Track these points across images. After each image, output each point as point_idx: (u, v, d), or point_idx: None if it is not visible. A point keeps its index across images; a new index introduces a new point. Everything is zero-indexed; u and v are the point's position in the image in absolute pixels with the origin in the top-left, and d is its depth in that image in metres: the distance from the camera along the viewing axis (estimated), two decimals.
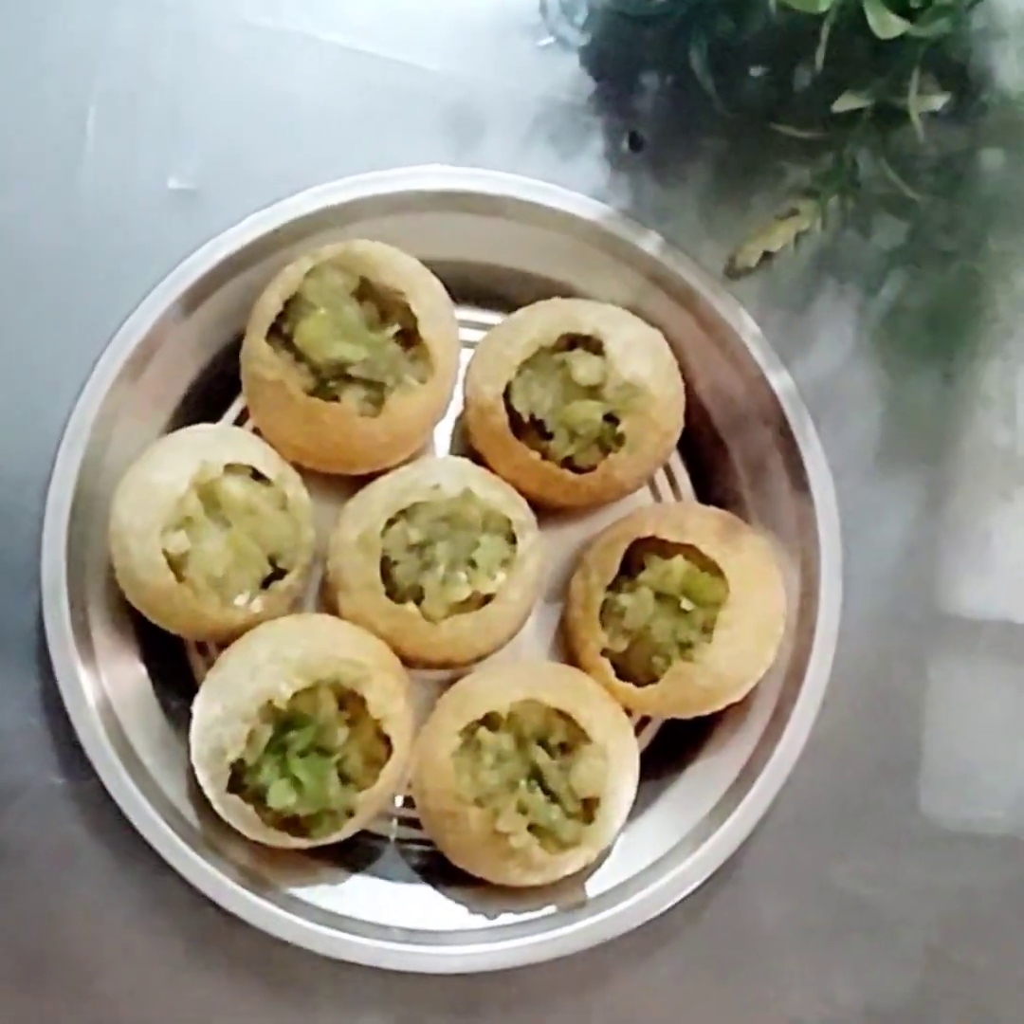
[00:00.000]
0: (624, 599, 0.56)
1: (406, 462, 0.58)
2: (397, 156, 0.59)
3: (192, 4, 0.61)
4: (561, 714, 0.54)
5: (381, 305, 0.56)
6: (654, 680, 0.56)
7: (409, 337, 0.56)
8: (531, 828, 0.53)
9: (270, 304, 0.55)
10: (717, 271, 0.60)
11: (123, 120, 0.60)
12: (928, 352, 0.62)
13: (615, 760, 0.54)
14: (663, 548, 0.56)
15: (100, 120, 0.60)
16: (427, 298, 0.55)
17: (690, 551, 0.55)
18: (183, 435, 0.57)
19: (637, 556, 0.56)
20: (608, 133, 0.61)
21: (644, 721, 0.60)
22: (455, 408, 0.59)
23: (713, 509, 0.59)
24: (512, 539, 0.55)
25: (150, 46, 0.60)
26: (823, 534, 0.58)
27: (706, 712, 0.57)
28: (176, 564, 0.53)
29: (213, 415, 0.60)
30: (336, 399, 0.55)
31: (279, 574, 0.55)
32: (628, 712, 0.57)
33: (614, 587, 0.56)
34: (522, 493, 0.57)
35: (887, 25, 0.55)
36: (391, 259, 0.55)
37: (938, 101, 0.60)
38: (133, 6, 0.61)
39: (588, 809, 0.54)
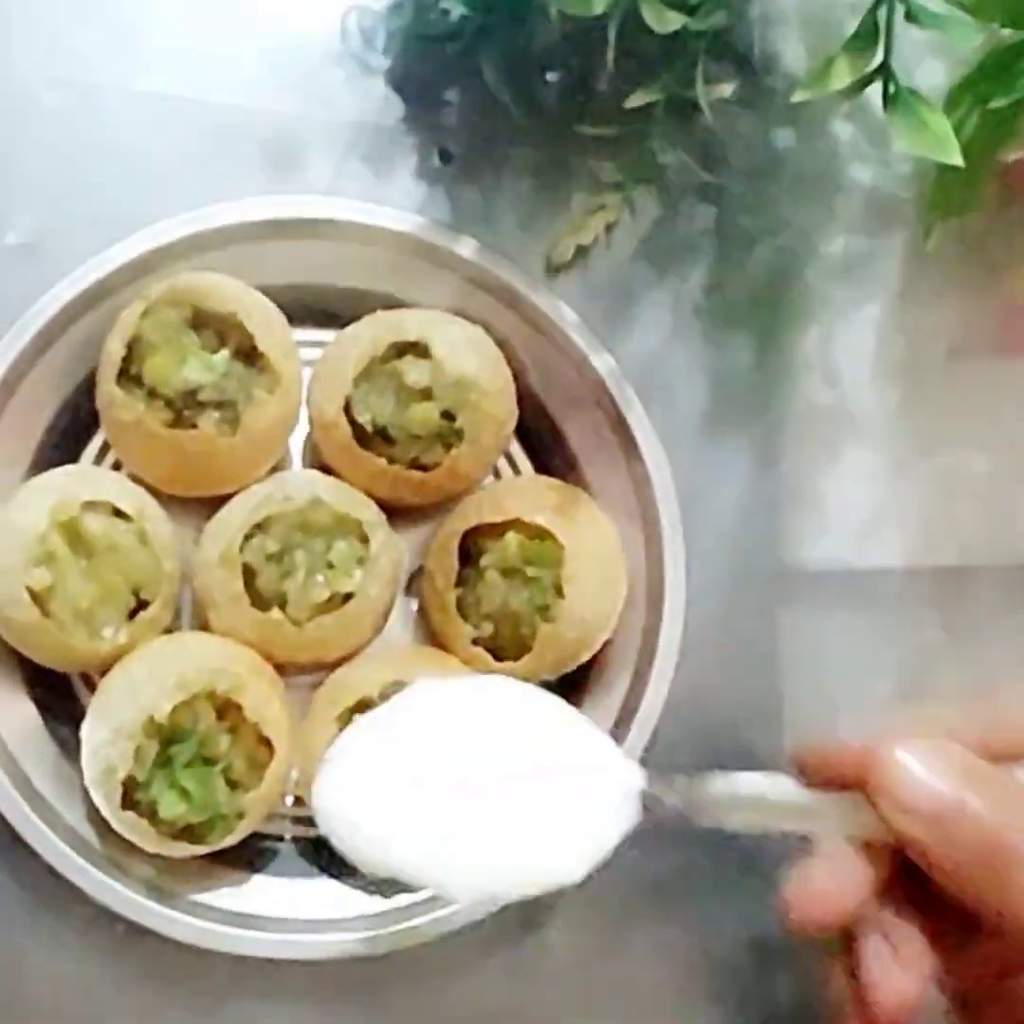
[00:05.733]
0: (475, 589, 0.59)
1: (267, 476, 0.61)
2: (222, 191, 0.61)
3: (6, 69, 0.63)
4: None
5: (217, 330, 0.59)
6: (529, 649, 0.59)
7: (249, 355, 0.59)
8: None
9: (113, 351, 0.58)
10: (538, 270, 0.64)
11: None
12: (746, 325, 0.66)
13: None
14: (494, 529, 0.59)
15: None
16: (257, 313, 0.59)
17: (517, 524, 0.58)
18: (44, 478, 0.59)
19: (474, 545, 0.59)
20: (419, 150, 0.64)
21: None
22: (304, 427, 0.62)
23: (521, 479, 0.63)
24: (364, 539, 0.58)
25: None
26: (661, 504, 0.61)
27: (586, 658, 0.60)
28: (41, 599, 0.56)
29: (73, 455, 0.63)
30: (194, 426, 0.58)
31: (143, 605, 0.58)
32: None
33: (461, 581, 0.59)
34: (375, 498, 0.60)
35: (664, 20, 0.59)
36: (216, 285, 0.58)
37: (726, 89, 0.63)
38: None
39: None
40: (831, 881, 0.46)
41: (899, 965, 0.46)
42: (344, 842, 0.46)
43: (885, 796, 0.45)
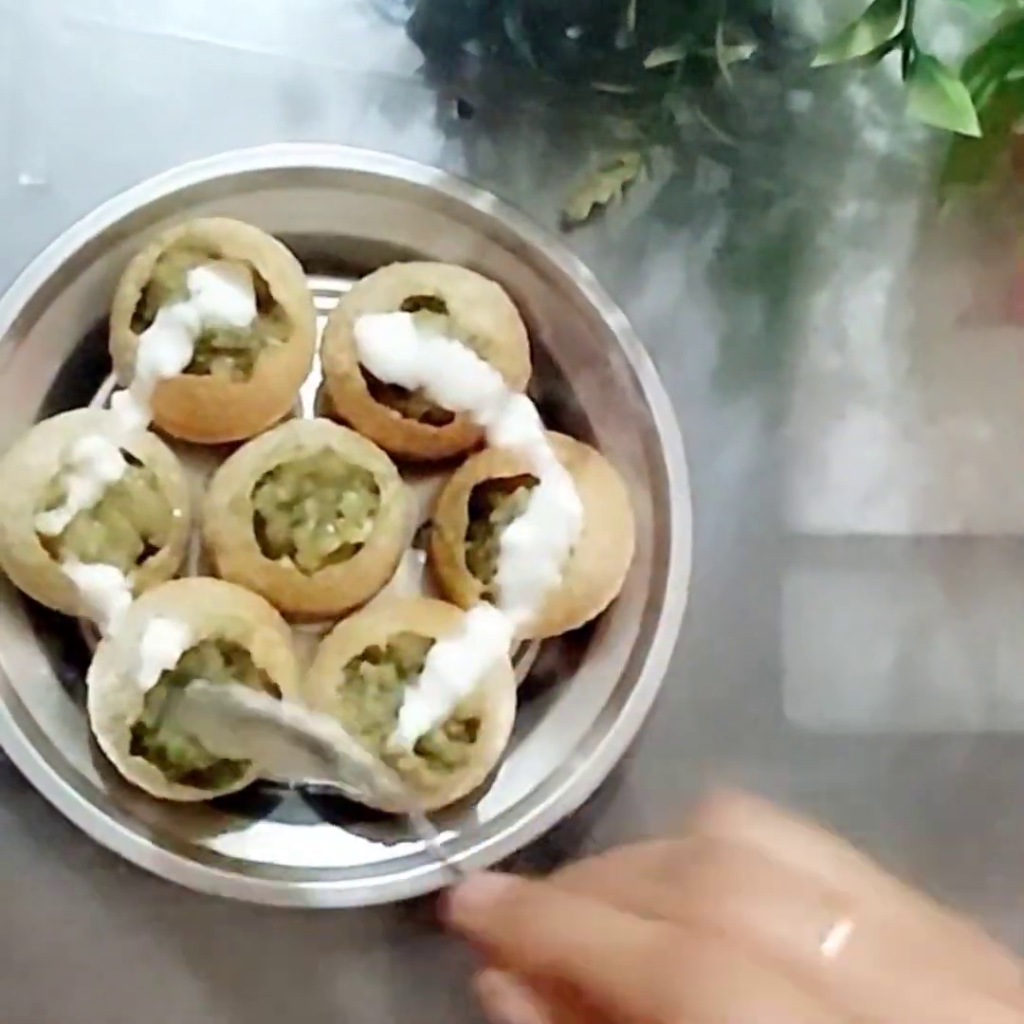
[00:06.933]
0: (484, 543, 0.59)
1: (279, 424, 0.61)
2: (237, 138, 0.61)
3: (25, 8, 0.63)
4: (436, 644, 0.57)
5: None
6: None
7: (264, 302, 0.59)
8: (418, 752, 0.56)
9: (128, 294, 0.58)
10: (553, 226, 0.64)
11: None
12: (757, 287, 0.66)
13: (491, 682, 0.58)
14: (504, 484, 0.59)
15: None
16: (274, 262, 0.58)
17: (527, 479, 0.59)
18: (55, 421, 0.59)
19: (484, 500, 0.59)
20: (437, 102, 0.64)
21: (519, 654, 0.64)
22: (317, 377, 0.62)
23: (532, 432, 0.62)
24: (375, 490, 0.58)
25: None
26: (669, 463, 0.61)
27: (593, 616, 0.61)
28: (50, 543, 0.56)
29: (84, 399, 0.62)
30: (208, 372, 0.58)
31: (152, 550, 0.58)
32: None
33: (470, 535, 0.59)
34: (387, 451, 0.60)
35: None
36: (233, 231, 0.58)
37: (745, 50, 0.63)
38: None
39: (470, 730, 0.57)
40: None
41: None
42: None
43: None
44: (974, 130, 0.56)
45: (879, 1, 0.57)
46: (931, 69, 0.57)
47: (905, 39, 0.58)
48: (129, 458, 0.58)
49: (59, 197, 0.62)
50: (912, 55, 0.58)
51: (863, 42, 0.57)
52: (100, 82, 0.63)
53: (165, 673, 0.55)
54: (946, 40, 0.64)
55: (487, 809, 0.61)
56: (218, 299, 0.57)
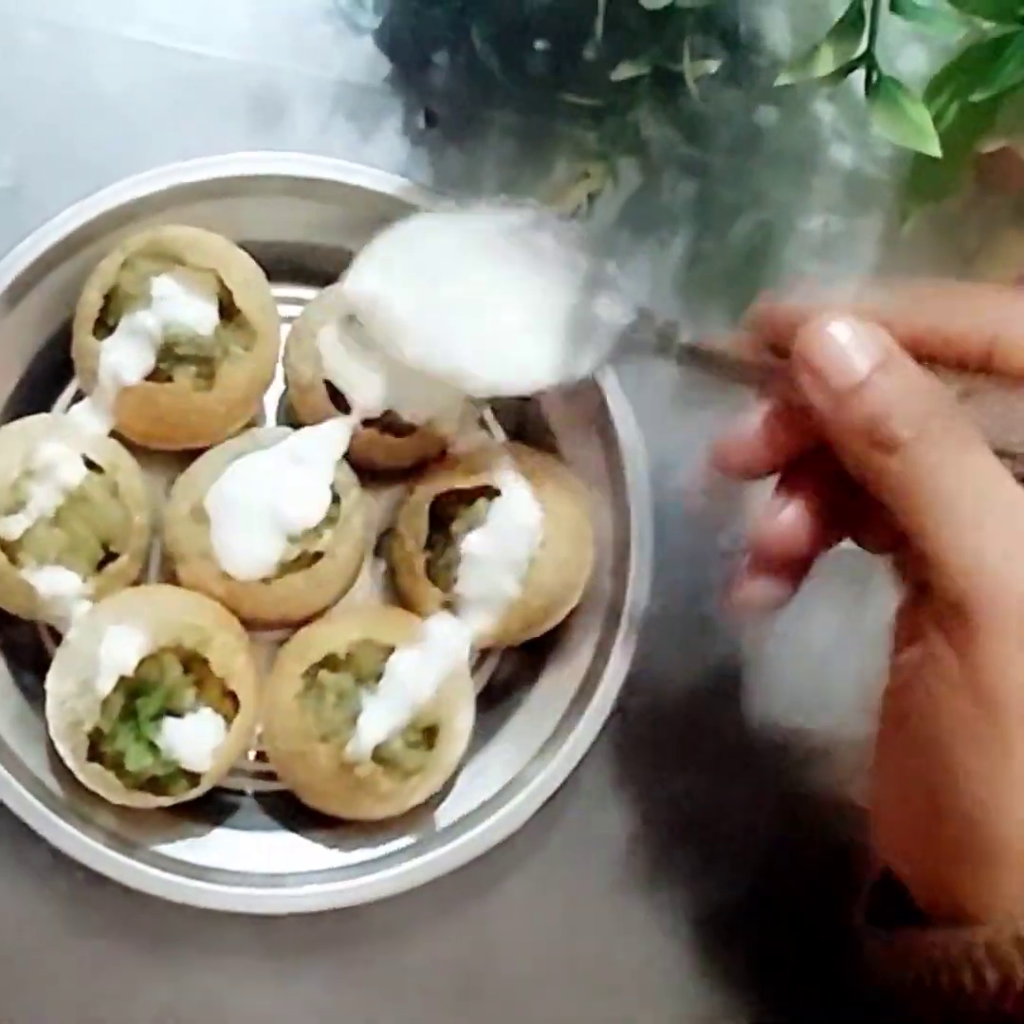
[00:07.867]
0: (444, 553, 0.59)
1: (242, 432, 0.61)
2: (205, 143, 0.61)
3: None
4: (396, 651, 0.57)
5: None
6: None
7: (227, 310, 0.59)
8: (377, 760, 0.57)
9: (91, 301, 0.58)
10: None
11: None
12: (722, 299, 0.66)
13: (450, 690, 0.58)
14: (465, 494, 0.59)
15: None
16: (238, 271, 0.59)
17: (488, 489, 0.59)
18: (16, 425, 0.59)
19: (444, 510, 0.60)
20: (404, 111, 0.65)
21: (480, 663, 0.64)
22: (280, 385, 0.62)
23: (493, 443, 0.63)
24: (336, 498, 0.58)
25: None
26: (631, 475, 0.61)
27: (551, 626, 0.61)
28: (9, 547, 0.56)
29: (46, 404, 0.62)
30: (170, 379, 0.58)
31: (112, 557, 0.58)
32: None
33: (431, 545, 0.60)
34: (347, 459, 0.60)
35: None
36: (198, 239, 0.58)
37: (712, 65, 0.64)
38: None
39: (429, 738, 0.58)
40: (756, 432, 0.51)
41: (791, 513, 0.50)
42: (374, 319, 0.55)
43: (802, 360, 0.46)
44: (935, 151, 0.57)
45: (842, 21, 0.58)
46: (893, 90, 0.58)
47: (868, 59, 0.58)
48: (90, 464, 0.58)
49: (25, 199, 0.62)
50: (875, 76, 0.58)
51: (826, 62, 0.57)
52: (69, 84, 0.63)
53: (122, 680, 0.55)
54: (912, 59, 0.65)
55: (445, 815, 0.61)
56: (181, 307, 0.57)
